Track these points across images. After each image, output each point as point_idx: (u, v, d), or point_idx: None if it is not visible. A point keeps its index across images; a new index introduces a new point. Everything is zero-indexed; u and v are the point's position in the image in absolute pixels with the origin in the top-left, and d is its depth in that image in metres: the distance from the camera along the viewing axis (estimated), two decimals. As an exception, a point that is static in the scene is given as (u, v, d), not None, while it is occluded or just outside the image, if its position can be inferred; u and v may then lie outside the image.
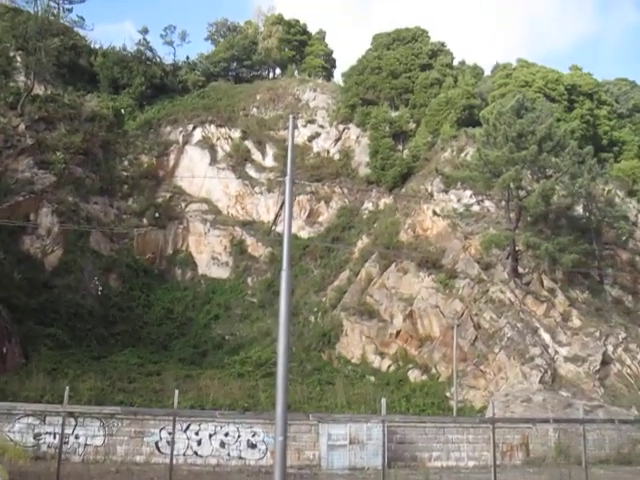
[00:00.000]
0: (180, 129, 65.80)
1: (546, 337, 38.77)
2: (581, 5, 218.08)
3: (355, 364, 42.95)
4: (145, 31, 73.75)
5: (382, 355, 42.72)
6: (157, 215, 57.97)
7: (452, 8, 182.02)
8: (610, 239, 46.54)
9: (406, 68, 66.70)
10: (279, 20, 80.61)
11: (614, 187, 51.27)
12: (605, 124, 65.74)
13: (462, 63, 74.49)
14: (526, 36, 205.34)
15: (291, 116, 17.84)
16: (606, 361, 37.69)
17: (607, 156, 61.87)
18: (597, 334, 38.88)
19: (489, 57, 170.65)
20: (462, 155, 53.19)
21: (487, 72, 73.52)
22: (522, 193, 41.73)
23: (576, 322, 39.80)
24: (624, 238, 47.01)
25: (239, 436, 27.05)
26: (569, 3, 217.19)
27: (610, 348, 38.53)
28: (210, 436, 26.84)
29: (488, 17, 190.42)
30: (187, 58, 79.10)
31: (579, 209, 45.20)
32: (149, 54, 73.25)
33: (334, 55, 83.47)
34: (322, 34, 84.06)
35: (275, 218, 58.06)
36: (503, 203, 43.39)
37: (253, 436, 27.09)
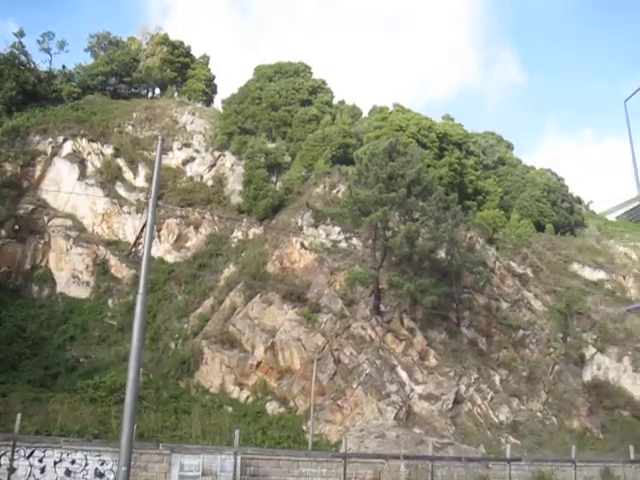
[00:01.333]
0: (50, 140, 63.20)
1: (403, 375, 39.69)
2: (467, 59, 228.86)
3: (213, 394, 42.26)
4: (21, 34, 70.18)
5: (241, 386, 42.32)
6: (17, 227, 55.23)
7: (339, 47, 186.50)
8: (469, 283, 48.41)
9: (286, 101, 67.53)
10: (164, 40, 79.72)
11: (475, 234, 53.54)
12: (471, 173, 68.82)
13: (341, 102, 76.35)
14: (410, 82, 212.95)
15: (160, 137, 17.61)
16: (458, 400, 38.98)
17: (471, 204, 64.74)
18: (451, 374, 40.20)
19: (369, 99, 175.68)
20: (334, 192, 54.12)
21: (365, 113, 75.65)
22: (389, 233, 42.83)
23: (432, 361, 41.03)
24: (482, 283, 49.01)
25: (86, 464, 25.71)
26: (456, 55, 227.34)
27: (463, 388, 39.93)
28: (55, 464, 25.36)
29: (374, 60, 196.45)
30: (63, 67, 76.68)
31: (442, 253, 46.79)
32: (23, 58, 70.15)
33: (216, 81, 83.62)
34: (206, 59, 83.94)
35: (136, 239, 56.49)
36: (370, 242, 44.33)
37: (101, 465, 25.88)
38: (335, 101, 74.74)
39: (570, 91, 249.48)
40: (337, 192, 53.54)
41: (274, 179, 60.74)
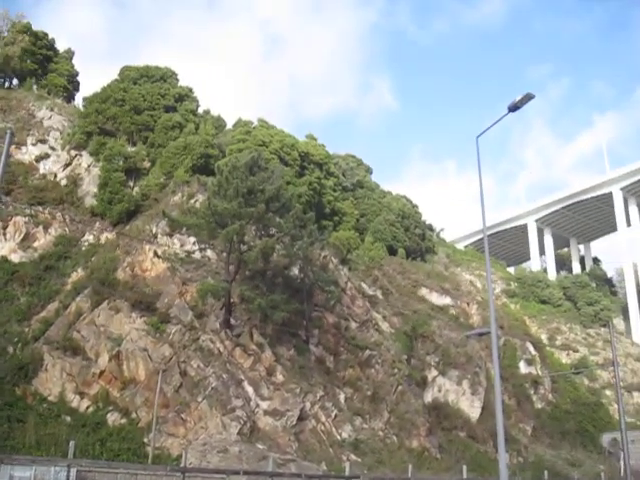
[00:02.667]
0: None
1: (249, 390, 39.50)
2: (342, 83, 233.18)
3: (52, 402, 40.24)
4: None
5: (82, 395, 40.57)
6: None
7: (214, 58, 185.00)
8: (320, 302, 49.00)
9: (150, 106, 66.24)
10: (26, 29, 75.83)
11: (330, 253, 54.41)
12: (330, 194, 70.07)
13: (207, 112, 75.71)
14: (284, 100, 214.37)
15: (9, 129, 16.71)
16: (303, 417, 39.19)
17: (327, 224, 65.84)
18: (297, 391, 40.39)
19: (238, 112, 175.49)
20: (192, 201, 53.43)
21: (229, 125, 75.37)
22: (244, 247, 42.66)
23: (279, 377, 41.09)
24: (332, 302, 49.73)
25: None
26: (332, 78, 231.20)
27: (308, 405, 40.20)
28: None
29: (247, 73, 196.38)
30: None
31: (295, 270, 47.17)
32: None
33: (79, 78, 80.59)
34: (70, 54, 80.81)
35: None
36: (225, 254, 43.94)
37: None
38: (200, 110, 74.08)
39: (438, 121, 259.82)
40: (195, 202, 52.91)
41: (131, 184, 59.28)
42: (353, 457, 37.29)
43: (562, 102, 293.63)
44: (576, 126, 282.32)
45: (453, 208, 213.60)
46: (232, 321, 43.02)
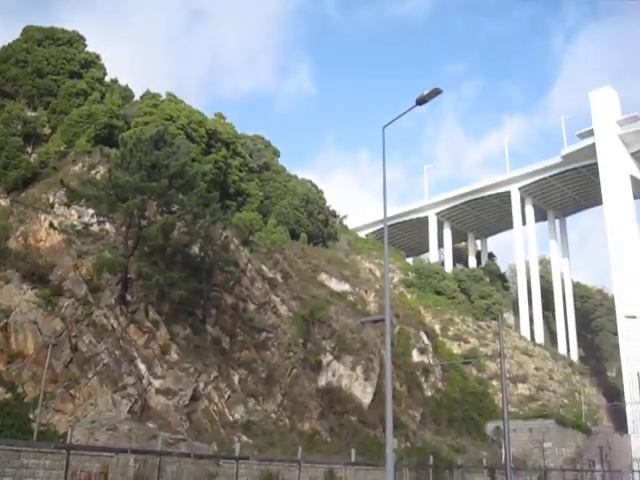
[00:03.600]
0: None
1: (142, 368, 38.79)
2: (263, 64, 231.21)
3: None
4: None
5: (-36, 368, 38.96)
6: None
7: (123, 25, 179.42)
8: (219, 282, 48.62)
9: (54, 70, 63.92)
10: None
11: (231, 234, 54.01)
12: (235, 174, 69.47)
13: (114, 81, 73.46)
14: (202, 75, 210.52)
15: None
16: (196, 397, 38.83)
17: (231, 204, 65.31)
18: (191, 370, 39.98)
19: (147, 83, 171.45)
20: (92, 172, 51.90)
21: (137, 97, 73.43)
22: (144, 223, 41.78)
23: (174, 356, 40.56)
24: (232, 283, 49.45)
25: None
26: (254, 57, 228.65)
27: (202, 385, 39.85)
28: None
29: (162, 45, 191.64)
30: None
31: (196, 249, 46.60)
32: None
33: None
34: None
35: None
36: (124, 229, 42.94)
37: None
38: (107, 79, 71.89)
39: (354, 110, 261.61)
40: (96, 173, 51.37)
41: (29, 150, 57.06)
42: (244, 438, 37.24)
43: (475, 101, 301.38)
44: (486, 126, 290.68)
45: (361, 196, 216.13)
46: (128, 297, 42.09)
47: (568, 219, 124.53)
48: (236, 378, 43.54)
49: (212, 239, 46.88)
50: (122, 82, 74.77)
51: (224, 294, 48.72)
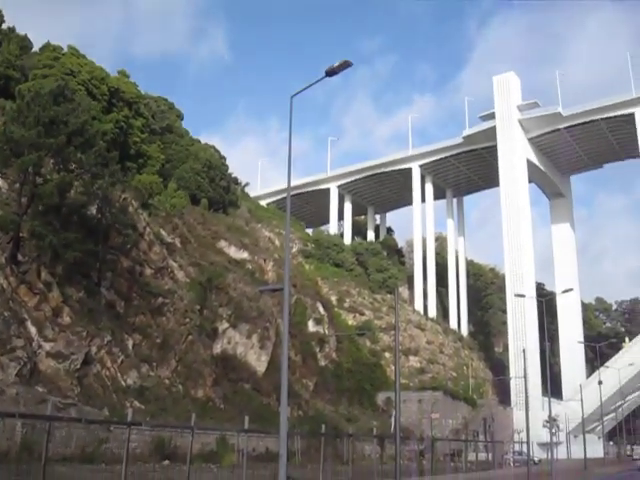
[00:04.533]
0: None
1: (33, 330, 37.57)
2: (178, 25, 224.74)
3: None
4: None
5: None
6: None
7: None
8: (116, 245, 47.41)
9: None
10: None
11: (130, 196, 52.70)
12: (137, 135, 67.74)
13: (12, 30, 69.75)
14: (114, 31, 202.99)
15: None
16: (88, 361, 37.96)
17: (131, 166, 63.72)
18: (84, 334, 39.01)
19: (50, 35, 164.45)
20: (-14, 125, 49.52)
21: (36, 48, 70.00)
22: (39, 180, 40.19)
23: (66, 319, 39.46)
24: (129, 246, 48.38)
25: None
26: (169, 17, 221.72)
27: (94, 349, 38.99)
28: None
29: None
30: None
31: (93, 209, 45.24)
32: None
33: None
34: None
35: None
36: (17, 186, 41.22)
37: None
38: (5, 26, 68.28)
39: (267, 78, 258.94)
40: (-11, 126, 49.04)
41: None
42: (137, 404, 36.77)
43: (388, 78, 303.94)
44: (396, 103, 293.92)
45: (269, 165, 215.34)
46: (19, 257, 40.50)
47: (467, 198, 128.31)
48: (130, 343, 42.82)
49: (110, 200, 45.60)
50: (21, 31, 71.31)
51: (120, 257, 47.61)
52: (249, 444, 29.09)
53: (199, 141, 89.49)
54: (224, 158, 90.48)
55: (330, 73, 23.46)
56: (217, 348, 52.79)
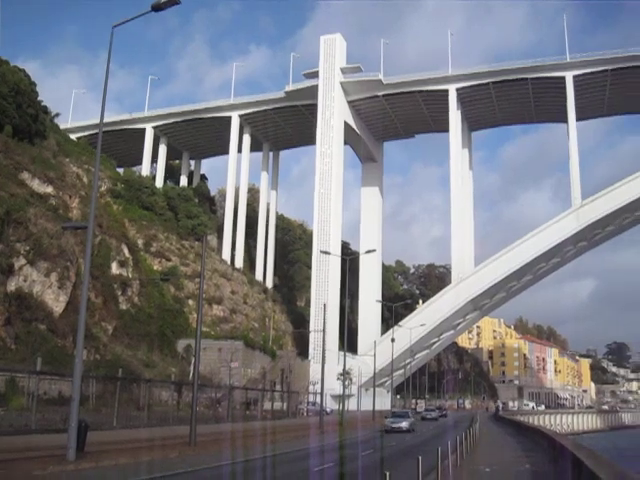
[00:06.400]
0: None
1: None
2: None
3: None
4: None
5: None
6: None
7: None
8: None
9: None
10: None
11: None
12: None
13: None
14: None
15: None
16: None
17: None
18: None
19: None
20: None
21: None
22: None
23: None
24: None
25: None
26: None
27: None
28: None
29: None
30: None
31: None
32: None
33: None
34: None
35: None
36: None
37: None
38: None
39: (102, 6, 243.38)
40: None
41: None
42: None
43: (227, 25, 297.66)
44: (233, 51, 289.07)
45: (89, 97, 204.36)
46: None
47: (291, 154, 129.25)
48: None
49: None
50: None
51: None
52: (41, 387, 27.95)
53: (7, 63, 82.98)
54: (34, 84, 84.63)
55: (156, 8, 22.70)
56: (11, 285, 49.80)
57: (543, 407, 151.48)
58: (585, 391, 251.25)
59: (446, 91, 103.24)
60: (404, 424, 47.27)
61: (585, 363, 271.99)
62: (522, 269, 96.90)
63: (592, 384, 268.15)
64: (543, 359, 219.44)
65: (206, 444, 29.24)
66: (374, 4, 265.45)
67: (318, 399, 60.45)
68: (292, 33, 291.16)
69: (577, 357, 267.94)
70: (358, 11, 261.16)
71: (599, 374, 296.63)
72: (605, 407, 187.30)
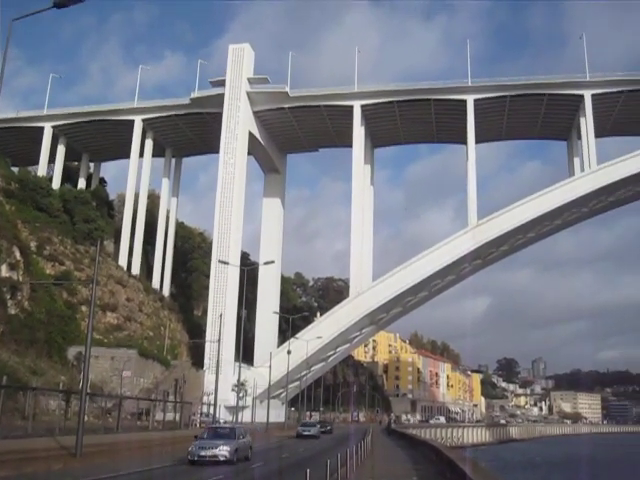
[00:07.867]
0: None
1: None
2: None
3: None
4: None
5: None
6: None
7: None
8: None
9: None
10: None
11: None
12: None
13: None
14: None
15: None
16: None
17: None
18: None
19: None
20: None
21: None
22: None
23: None
24: None
25: None
26: None
27: None
28: None
29: None
30: None
31: None
32: None
33: None
34: None
35: None
36: None
37: None
38: None
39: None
40: None
41: None
42: None
43: (144, 29, 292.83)
44: (146, 55, 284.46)
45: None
46: None
47: (199, 161, 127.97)
48: None
49: None
50: None
51: None
52: None
53: None
54: None
55: (59, 5, 22.29)
56: None
57: (443, 420, 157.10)
58: (476, 405, 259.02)
59: (351, 107, 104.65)
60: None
61: (476, 378, 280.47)
62: (418, 285, 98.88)
63: (482, 399, 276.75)
64: (436, 374, 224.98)
65: (93, 455, 28.46)
66: (292, 19, 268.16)
67: (212, 410, 59.80)
68: (208, 42, 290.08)
69: (469, 372, 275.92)
70: (276, 25, 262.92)
71: (489, 389, 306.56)
72: (502, 421, 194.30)
